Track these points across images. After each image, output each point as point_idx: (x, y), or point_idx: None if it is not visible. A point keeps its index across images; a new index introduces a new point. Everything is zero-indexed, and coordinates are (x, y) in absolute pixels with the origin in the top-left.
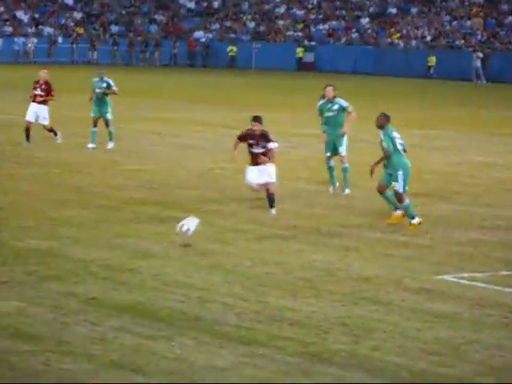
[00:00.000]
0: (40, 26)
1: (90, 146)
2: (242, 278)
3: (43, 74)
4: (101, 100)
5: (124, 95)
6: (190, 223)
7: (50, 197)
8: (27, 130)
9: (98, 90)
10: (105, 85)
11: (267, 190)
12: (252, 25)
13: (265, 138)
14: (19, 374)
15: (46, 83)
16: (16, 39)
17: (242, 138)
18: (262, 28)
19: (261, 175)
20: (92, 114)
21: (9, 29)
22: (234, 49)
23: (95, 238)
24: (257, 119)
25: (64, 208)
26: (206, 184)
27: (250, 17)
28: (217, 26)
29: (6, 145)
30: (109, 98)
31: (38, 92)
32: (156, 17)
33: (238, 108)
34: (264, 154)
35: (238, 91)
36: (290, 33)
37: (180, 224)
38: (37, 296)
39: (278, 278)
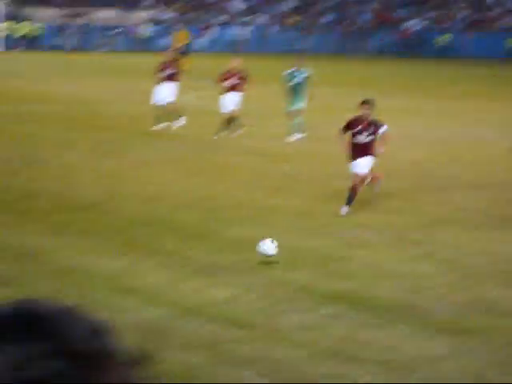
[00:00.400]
0: (254, 15)
1: (295, 137)
2: (455, 268)
3: (236, 62)
4: (296, 91)
5: (335, 84)
6: (268, 248)
7: (259, 185)
8: (228, 120)
9: (293, 82)
10: (302, 75)
11: (353, 182)
12: (464, 14)
13: (374, 124)
14: (233, 361)
15: (239, 72)
16: (230, 28)
17: (350, 125)
18: (473, 17)
19: (361, 166)
20: (288, 106)
21: (223, 18)
22: (446, 38)
23: (307, 226)
24: (367, 102)
25: (274, 196)
26: (418, 173)
27: (461, 6)
28: (429, 14)
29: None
30: (305, 89)
31: (231, 81)
32: (369, 5)
33: (449, 98)
34: (371, 143)
35: (448, 81)
36: (503, 21)
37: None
38: (249, 283)
39: (490, 268)
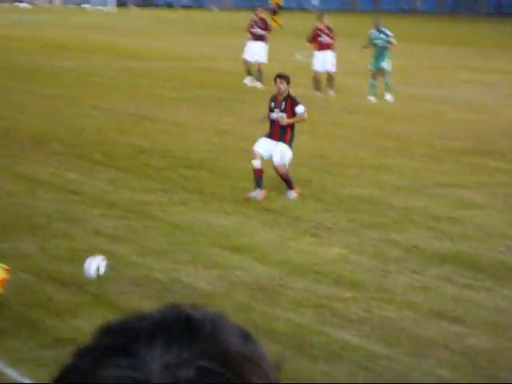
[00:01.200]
0: None
1: (370, 98)
2: None
3: (325, 19)
4: (380, 51)
5: (448, 44)
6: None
7: (371, 144)
8: (328, 79)
9: (376, 42)
10: (383, 35)
11: (277, 172)
12: None
13: (291, 100)
14: (341, 320)
15: (329, 29)
16: None
17: (269, 103)
18: None
19: (270, 150)
20: (370, 67)
21: None
22: None
23: (417, 187)
24: (282, 77)
25: (385, 156)
26: None
27: None
28: None
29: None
30: (388, 49)
31: (325, 39)
32: None
33: None
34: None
35: None
36: None
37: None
38: (358, 243)
39: None
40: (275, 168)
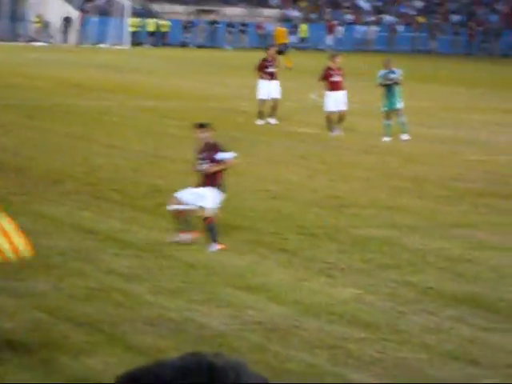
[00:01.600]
0: (381, 15)
1: (385, 139)
2: None
3: (337, 59)
4: (392, 91)
5: (463, 85)
6: None
7: (386, 185)
8: (339, 118)
9: (387, 82)
10: (393, 75)
11: (204, 216)
12: None
13: (213, 148)
14: (355, 361)
15: (340, 69)
16: (357, 27)
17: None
18: None
19: (194, 198)
20: (383, 108)
21: (350, 17)
22: None
23: (432, 228)
24: (202, 126)
25: (401, 197)
26: None
27: None
28: None
29: (345, 132)
30: (399, 88)
31: (336, 78)
32: (497, 6)
33: None
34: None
35: None
36: None
37: None
38: (373, 284)
39: None
40: (204, 212)
